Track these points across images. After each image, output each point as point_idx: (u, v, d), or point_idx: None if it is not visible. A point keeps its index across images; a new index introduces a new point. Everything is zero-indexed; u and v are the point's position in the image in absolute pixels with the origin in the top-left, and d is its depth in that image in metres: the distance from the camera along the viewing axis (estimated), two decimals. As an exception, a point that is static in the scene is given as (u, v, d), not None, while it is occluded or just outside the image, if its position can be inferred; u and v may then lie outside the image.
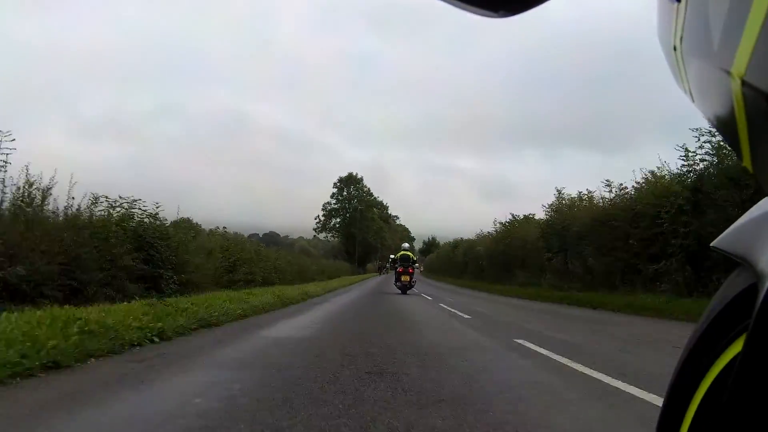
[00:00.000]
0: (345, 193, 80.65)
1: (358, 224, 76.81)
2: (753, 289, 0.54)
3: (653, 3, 0.72)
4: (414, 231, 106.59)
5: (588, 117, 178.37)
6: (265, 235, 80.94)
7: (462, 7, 0.69)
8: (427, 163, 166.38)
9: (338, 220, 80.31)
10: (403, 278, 22.10)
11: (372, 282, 40.15)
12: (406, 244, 25.63)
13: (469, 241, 45.48)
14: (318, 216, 79.96)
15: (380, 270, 72.64)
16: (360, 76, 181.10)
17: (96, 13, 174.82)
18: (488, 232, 36.84)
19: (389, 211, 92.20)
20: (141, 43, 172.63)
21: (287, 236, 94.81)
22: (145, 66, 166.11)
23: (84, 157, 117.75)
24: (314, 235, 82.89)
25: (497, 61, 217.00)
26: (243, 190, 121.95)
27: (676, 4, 0.61)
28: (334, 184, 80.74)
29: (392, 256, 30.17)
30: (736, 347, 0.60)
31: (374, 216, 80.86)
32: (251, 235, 46.40)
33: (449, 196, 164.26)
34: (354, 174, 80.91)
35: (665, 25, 0.67)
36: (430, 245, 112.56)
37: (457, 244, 49.20)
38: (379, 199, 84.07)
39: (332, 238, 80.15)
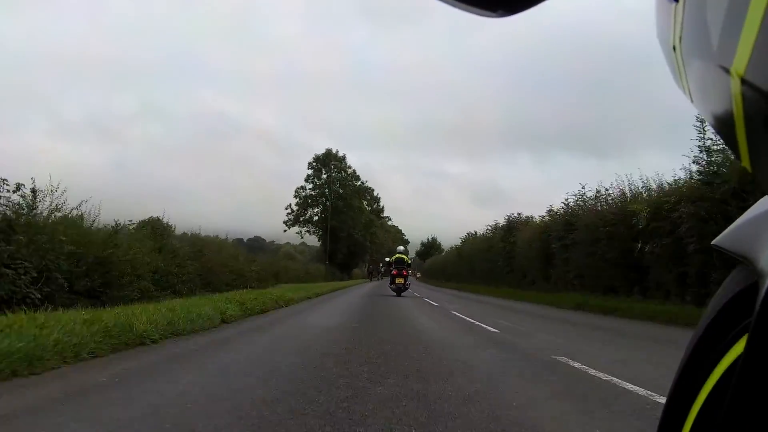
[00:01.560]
0: (324, 176, 59.54)
1: (340, 215, 55.78)
2: (754, 287, 0.54)
3: (652, 3, 0.71)
4: (406, 236, 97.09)
5: (585, 120, 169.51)
6: (249, 240, 72.27)
7: (460, 7, 0.67)
8: (418, 168, 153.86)
9: (316, 210, 59.19)
10: (397, 280, 22.11)
11: (350, 298, 20.04)
12: (401, 248, 25.97)
13: (533, 223, 24.87)
14: (289, 206, 58.76)
15: (371, 275, 58.03)
16: (351, 77, 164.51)
17: (77, 10, 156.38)
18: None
19: (380, 204, 70.58)
20: (124, 41, 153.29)
21: (273, 242, 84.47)
22: (128, 66, 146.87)
23: (68, 159, 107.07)
24: (283, 227, 60.95)
25: (491, 60, 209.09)
26: (229, 195, 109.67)
27: (674, 4, 0.60)
28: (309, 164, 60.00)
29: (387, 259, 28.88)
30: (739, 347, 0.58)
31: (362, 206, 59.79)
32: (235, 240, 38.04)
33: (441, 201, 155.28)
34: (334, 151, 60.10)
35: (664, 26, 0.66)
36: (430, 247, 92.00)
37: (512, 228, 28.01)
38: (367, 184, 63.39)
39: (307, 234, 58.94)
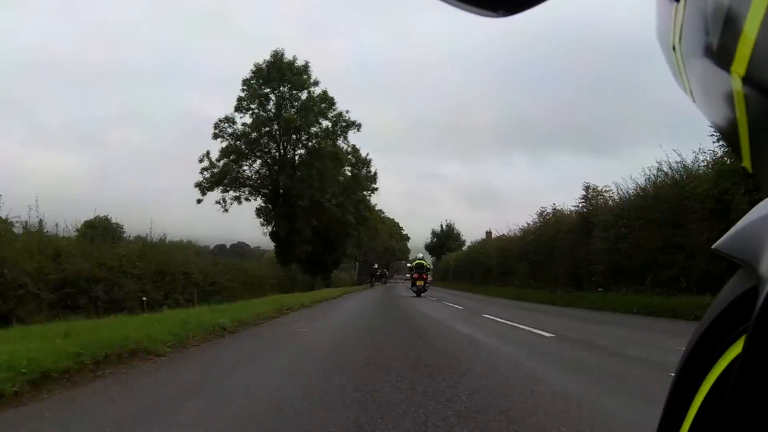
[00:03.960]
0: (271, 101, 33.95)
1: (300, 168, 30.81)
2: (754, 291, 0.55)
3: (652, 3, 0.72)
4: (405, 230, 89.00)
5: (583, 118, 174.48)
6: (232, 245, 68.48)
7: (460, 7, 0.68)
8: (412, 169, 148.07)
9: (256, 165, 34.03)
10: (417, 283, 25.10)
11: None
12: (421, 254, 31.13)
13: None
14: (206, 155, 33.10)
15: (372, 279, 46.33)
16: (341, 74, 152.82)
17: (52, 10, 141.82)
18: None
19: (370, 168, 44.94)
20: (103, 43, 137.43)
21: (258, 247, 75.43)
22: (107, 68, 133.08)
23: (46, 167, 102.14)
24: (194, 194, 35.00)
25: (487, 59, 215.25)
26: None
27: (675, 4, 0.61)
28: (244, 82, 33.81)
29: (409, 264, 31.57)
30: (737, 348, 0.60)
31: (338, 152, 34.11)
32: (216, 247, 36.76)
33: (436, 202, 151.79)
34: (287, 58, 33.44)
35: (664, 25, 0.67)
36: (445, 238, 67.32)
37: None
38: (349, 116, 35.38)
39: (235, 204, 33.11)
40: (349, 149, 34.47)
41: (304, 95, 33.49)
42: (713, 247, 0.70)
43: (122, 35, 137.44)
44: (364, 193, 42.12)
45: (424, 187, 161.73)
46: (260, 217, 32.97)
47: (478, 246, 38.19)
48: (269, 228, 32.84)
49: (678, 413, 0.68)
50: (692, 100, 0.62)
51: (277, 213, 31.91)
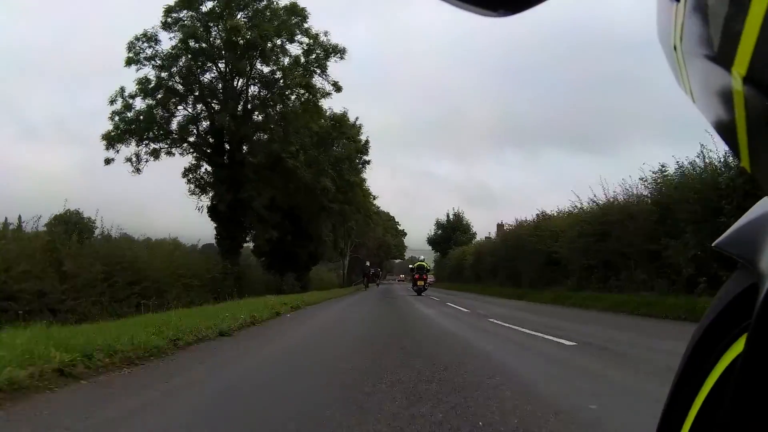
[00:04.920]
0: (218, 19, 22.71)
1: (257, 107, 19.11)
2: (753, 289, 0.55)
3: (652, 3, 0.72)
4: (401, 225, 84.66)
5: (580, 117, 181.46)
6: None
7: (460, 6, 0.67)
8: (405, 168, 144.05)
9: (189, 108, 22.90)
10: (418, 283, 28.73)
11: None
12: (422, 257, 37.34)
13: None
14: (117, 93, 21.91)
15: (365, 279, 41.31)
16: (335, 71, 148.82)
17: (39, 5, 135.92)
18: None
19: (360, 131, 33.64)
20: (88, 35, 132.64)
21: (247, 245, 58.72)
22: (93, 60, 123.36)
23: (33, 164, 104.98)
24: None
25: (483, 57, 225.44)
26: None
27: (675, 4, 0.61)
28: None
29: (411, 266, 35.55)
30: (738, 347, 0.60)
31: (310, 85, 22.80)
32: (205, 246, 26.45)
33: (430, 202, 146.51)
34: None
35: (665, 25, 0.67)
36: (453, 230, 56.68)
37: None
38: (328, 39, 23.54)
39: (149, 159, 21.97)
40: (330, 87, 23.30)
41: (262, 4, 22.51)
42: (713, 244, 0.68)
43: (112, 28, 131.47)
44: (357, 162, 31.28)
45: (419, 186, 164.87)
46: (190, 183, 21.95)
47: (530, 227, 23.44)
48: (205, 199, 21.91)
49: (679, 413, 0.66)
50: (692, 101, 0.60)
51: (216, 175, 20.93)
